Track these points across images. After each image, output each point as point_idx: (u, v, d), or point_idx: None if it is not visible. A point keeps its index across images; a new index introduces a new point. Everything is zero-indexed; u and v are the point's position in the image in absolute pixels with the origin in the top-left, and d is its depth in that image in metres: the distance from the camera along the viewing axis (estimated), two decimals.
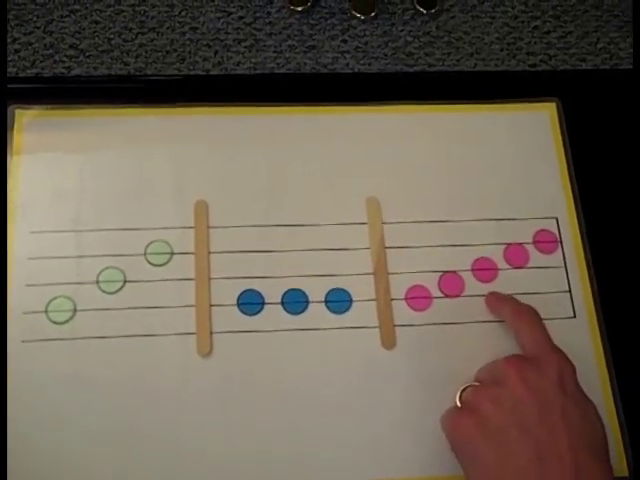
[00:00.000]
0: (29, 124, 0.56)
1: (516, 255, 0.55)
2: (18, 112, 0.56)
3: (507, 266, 0.55)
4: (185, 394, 0.50)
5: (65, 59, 1.25)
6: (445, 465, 0.49)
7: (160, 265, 0.53)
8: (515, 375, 0.45)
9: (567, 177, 0.57)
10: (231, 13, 1.31)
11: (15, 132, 0.55)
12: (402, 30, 1.32)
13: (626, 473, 0.50)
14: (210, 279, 0.52)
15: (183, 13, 1.30)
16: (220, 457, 0.49)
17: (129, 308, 0.51)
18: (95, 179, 0.55)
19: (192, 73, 1.24)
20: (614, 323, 0.53)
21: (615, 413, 0.51)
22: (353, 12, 1.37)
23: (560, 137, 0.59)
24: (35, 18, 1.27)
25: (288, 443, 0.49)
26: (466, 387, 0.49)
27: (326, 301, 0.53)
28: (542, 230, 0.56)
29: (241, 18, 1.31)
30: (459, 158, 0.57)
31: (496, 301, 0.53)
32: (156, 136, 0.56)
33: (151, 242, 0.53)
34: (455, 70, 1.27)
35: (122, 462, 0.48)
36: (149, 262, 0.53)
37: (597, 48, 1.34)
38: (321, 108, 0.58)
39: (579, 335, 0.53)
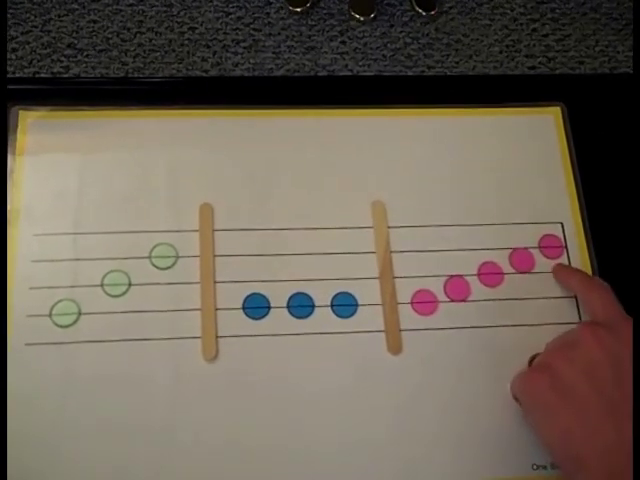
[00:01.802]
0: (32, 125, 0.55)
1: (522, 260, 0.55)
2: (22, 113, 0.55)
3: (513, 270, 0.54)
4: (190, 399, 0.49)
5: (63, 58, 1.24)
6: (453, 469, 0.49)
7: (165, 268, 0.52)
8: (590, 337, 0.45)
9: (572, 181, 0.57)
10: (230, 13, 1.31)
11: (18, 133, 0.55)
12: (401, 32, 1.32)
13: None
14: (215, 282, 0.52)
15: (182, 13, 1.30)
16: (226, 461, 0.48)
17: (134, 311, 0.51)
18: (99, 181, 0.54)
19: (190, 73, 1.24)
20: None
21: None
22: (352, 13, 1.36)
23: (565, 141, 0.59)
24: (32, 17, 1.27)
25: (294, 447, 0.49)
26: (536, 355, 0.50)
27: (332, 305, 0.52)
28: (547, 235, 0.56)
29: (240, 19, 1.31)
30: (464, 162, 0.57)
31: (564, 273, 0.53)
32: (161, 138, 0.56)
33: (156, 245, 0.53)
34: (459, 73, 1.27)
35: (126, 466, 0.48)
36: (154, 265, 0.52)
37: (595, 51, 1.34)
38: (326, 111, 0.58)
39: None
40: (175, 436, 0.49)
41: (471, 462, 0.50)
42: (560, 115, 0.59)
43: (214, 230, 0.54)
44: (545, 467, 0.49)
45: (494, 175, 0.57)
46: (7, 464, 0.46)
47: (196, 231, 0.53)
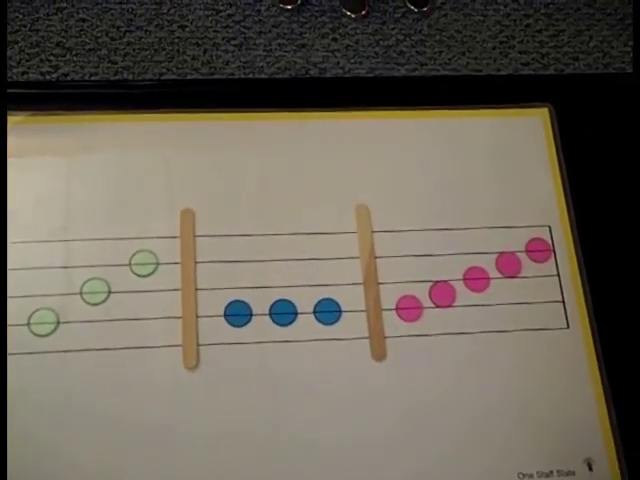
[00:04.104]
0: (12, 130, 0.54)
1: (508, 264, 0.54)
2: None
3: (499, 275, 0.54)
4: (172, 408, 0.49)
5: (51, 58, 1.23)
6: (436, 477, 0.48)
7: (145, 276, 0.52)
8: None
9: (560, 184, 0.56)
10: (220, 11, 1.30)
11: None
12: (393, 29, 1.31)
13: None
14: (196, 290, 0.51)
15: (172, 11, 1.29)
16: (209, 471, 0.48)
17: (114, 320, 0.50)
18: (78, 188, 0.53)
19: (180, 72, 1.23)
20: (608, 334, 0.52)
21: (609, 425, 0.50)
22: (344, 10, 1.35)
23: (553, 143, 0.58)
24: (21, 16, 1.26)
25: (276, 456, 0.48)
26: None
27: (315, 312, 0.52)
28: (535, 238, 0.55)
29: (230, 16, 1.30)
30: (450, 165, 0.57)
31: None
32: (141, 143, 0.55)
33: (136, 252, 0.52)
34: (451, 70, 1.26)
35: (107, 476, 0.47)
36: (134, 273, 0.51)
37: (590, 47, 1.33)
38: (310, 114, 0.57)
39: (572, 346, 0.52)
40: (156, 444, 0.48)
41: (454, 469, 0.49)
42: (548, 116, 0.58)
43: (195, 236, 0.53)
44: (531, 475, 0.49)
45: (480, 178, 0.56)
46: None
47: (177, 237, 0.53)
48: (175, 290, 0.51)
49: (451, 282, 0.53)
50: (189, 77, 1.23)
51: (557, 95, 0.59)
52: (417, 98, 0.59)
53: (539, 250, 0.55)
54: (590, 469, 0.49)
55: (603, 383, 0.51)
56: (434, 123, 0.58)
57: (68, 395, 0.48)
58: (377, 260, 0.53)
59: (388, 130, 0.57)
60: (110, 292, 0.51)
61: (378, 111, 0.58)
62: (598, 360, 0.52)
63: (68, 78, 1.21)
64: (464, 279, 0.53)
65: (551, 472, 0.49)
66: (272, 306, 0.51)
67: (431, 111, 0.58)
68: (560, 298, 0.53)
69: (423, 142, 0.57)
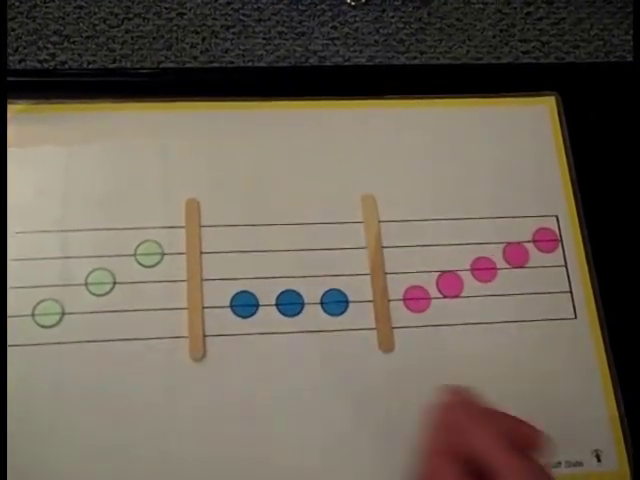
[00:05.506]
0: (13, 119, 0.54)
1: (516, 254, 0.54)
2: None
3: (507, 265, 0.53)
4: (177, 400, 0.48)
5: (49, 45, 1.22)
6: None
7: (151, 266, 0.51)
8: None
9: (567, 173, 0.56)
10: None
11: None
12: (393, 17, 1.30)
13: (627, 473, 0.49)
14: (202, 280, 0.51)
15: None
16: (214, 465, 0.47)
17: (119, 311, 0.50)
18: (82, 177, 0.53)
19: (179, 60, 1.22)
20: (616, 324, 0.52)
21: (617, 415, 0.50)
22: None
23: (560, 132, 0.57)
24: (18, 3, 1.24)
25: (285, 449, 0.48)
26: None
27: (322, 302, 0.51)
28: (542, 228, 0.55)
29: (229, 4, 1.28)
30: (457, 154, 0.56)
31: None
32: (146, 132, 0.55)
33: (141, 242, 0.52)
34: (451, 59, 1.26)
35: (112, 470, 0.47)
36: (139, 263, 0.51)
37: (591, 35, 1.32)
38: (315, 103, 0.57)
39: (580, 336, 0.52)
40: (162, 437, 0.48)
41: None
42: (554, 105, 0.58)
43: (201, 226, 0.52)
44: None
45: (487, 167, 0.56)
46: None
47: (182, 227, 0.52)
48: (181, 281, 0.51)
49: (458, 272, 0.53)
50: (188, 65, 1.21)
51: (562, 84, 0.59)
52: (424, 86, 0.58)
53: (546, 240, 0.54)
54: (598, 460, 0.49)
55: (611, 373, 0.51)
56: (440, 112, 0.57)
57: (73, 387, 0.48)
58: (384, 250, 0.53)
59: (393, 119, 0.57)
60: (115, 283, 0.50)
61: (382, 100, 0.57)
62: (606, 350, 0.51)
63: (66, 66, 1.20)
64: (471, 269, 0.53)
65: (559, 463, 0.49)
66: (278, 297, 0.51)
67: (437, 100, 0.58)
68: (567, 288, 0.53)
69: (429, 131, 0.57)
